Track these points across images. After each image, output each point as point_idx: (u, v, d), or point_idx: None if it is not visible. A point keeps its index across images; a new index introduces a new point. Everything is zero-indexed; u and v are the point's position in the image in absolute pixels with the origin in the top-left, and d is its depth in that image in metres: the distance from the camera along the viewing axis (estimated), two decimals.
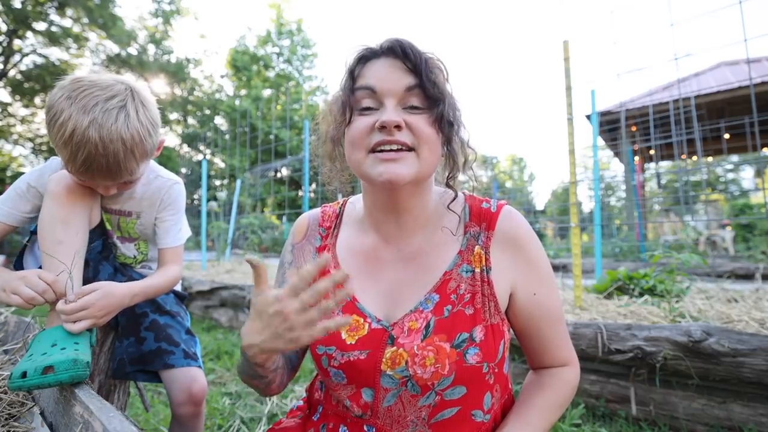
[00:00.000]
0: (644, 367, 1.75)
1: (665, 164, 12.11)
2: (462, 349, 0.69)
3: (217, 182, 22.80)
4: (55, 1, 15.23)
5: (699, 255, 3.17)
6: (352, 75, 0.72)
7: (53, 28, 15.84)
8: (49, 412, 0.84)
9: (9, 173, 16.62)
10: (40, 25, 15.62)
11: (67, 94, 0.89)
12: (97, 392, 0.82)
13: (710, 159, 12.95)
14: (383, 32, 0.76)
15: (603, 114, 7.63)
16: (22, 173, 1.12)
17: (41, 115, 17.19)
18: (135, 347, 1.17)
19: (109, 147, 0.90)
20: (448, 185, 0.77)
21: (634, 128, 8.11)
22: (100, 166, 0.92)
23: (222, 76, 27.07)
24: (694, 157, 10.06)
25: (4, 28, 15.02)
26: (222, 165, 22.96)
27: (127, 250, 1.21)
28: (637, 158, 9.43)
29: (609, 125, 8.05)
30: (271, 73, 26.46)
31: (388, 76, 0.69)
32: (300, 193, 16.30)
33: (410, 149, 0.68)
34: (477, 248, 0.75)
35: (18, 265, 1.11)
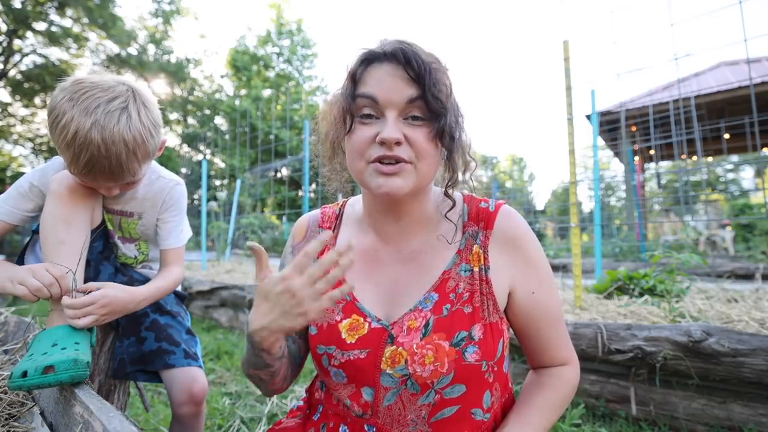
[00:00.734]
0: (644, 367, 1.75)
1: (665, 164, 12.11)
2: (461, 347, 0.69)
3: (217, 182, 22.80)
4: (55, 1, 15.24)
5: (699, 255, 3.17)
6: (354, 78, 0.71)
7: (53, 28, 15.83)
8: (49, 412, 0.84)
9: (9, 173, 16.62)
10: (40, 25, 15.63)
11: (69, 96, 0.89)
12: (97, 392, 0.83)
13: (710, 159, 12.95)
14: (383, 33, 0.74)
15: (603, 114, 7.63)
16: (23, 173, 1.12)
17: (41, 115, 17.20)
18: (135, 347, 1.17)
19: (111, 148, 0.90)
20: (446, 194, 0.76)
21: (634, 128, 8.11)
22: (102, 167, 0.92)
23: (222, 76, 27.10)
24: (694, 157, 10.05)
25: (4, 28, 15.03)
26: (222, 165, 22.96)
27: (128, 251, 1.21)
28: (637, 158, 9.43)
29: (609, 125, 8.05)
30: (271, 73, 26.46)
31: (390, 86, 0.68)
32: (300, 193, 16.31)
33: (409, 162, 0.68)
34: (475, 247, 0.76)
35: (19, 264, 1.11)
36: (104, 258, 1.13)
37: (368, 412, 0.73)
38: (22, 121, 17.34)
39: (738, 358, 1.52)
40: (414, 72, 0.67)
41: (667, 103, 5.90)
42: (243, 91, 25.71)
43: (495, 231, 0.76)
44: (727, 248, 8.94)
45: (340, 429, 0.76)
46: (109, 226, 1.16)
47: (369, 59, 0.71)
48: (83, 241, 1.01)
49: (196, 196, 19.68)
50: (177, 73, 22.14)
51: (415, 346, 0.70)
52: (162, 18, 21.39)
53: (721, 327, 1.63)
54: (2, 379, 0.87)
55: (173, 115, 24.87)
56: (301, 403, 0.91)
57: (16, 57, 16.07)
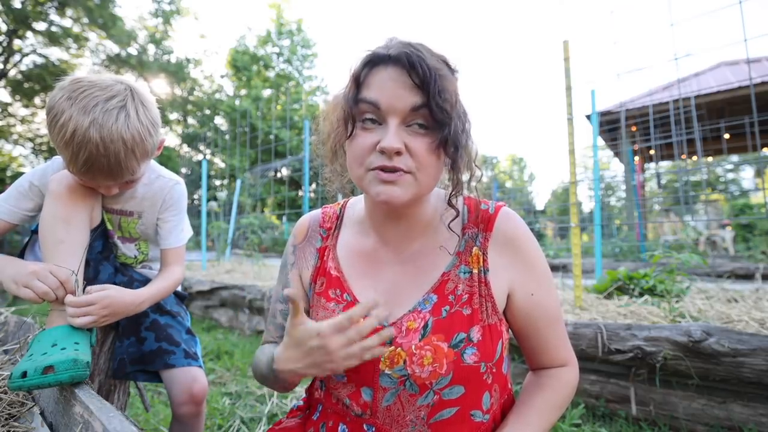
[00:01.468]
0: (644, 367, 1.75)
1: (665, 164, 12.11)
2: (459, 348, 0.69)
3: (217, 182, 22.80)
4: (55, 1, 15.22)
5: (699, 255, 3.17)
6: (357, 81, 0.69)
7: (53, 28, 15.81)
8: (49, 412, 0.84)
9: (9, 173, 16.61)
10: (40, 25, 15.60)
11: (67, 95, 0.89)
12: (97, 392, 0.83)
13: (710, 159, 12.95)
14: (383, 33, 0.73)
15: (603, 114, 7.63)
16: (22, 173, 1.12)
17: (41, 115, 17.17)
18: (135, 347, 1.17)
19: (109, 147, 0.90)
20: (449, 204, 0.75)
21: (634, 128, 8.11)
22: (101, 166, 0.92)
23: (222, 76, 27.06)
24: (694, 157, 10.05)
25: (4, 28, 15.01)
26: (222, 165, 22.96)
27: (128, 250, 1.21)
28: (637, 158, 9.42)
29: (609, 125, 8.05)
30: (271, 73, 26.44)
31: (393, 92, 0.65)
32: (300, 193, 16.31)
33: (408, 172, 0.66)
34: (475, 249, 0.76)
35: None
36: (104, 258, 1.13)
37: (367, 412, 0.73)
38: (22, 121, 17.32)
39: (738, 358, 1.52)
40: (419, 78, 0.64)
41: (667, 103, 5.90)
42: (243, 91, 25.69)
43: (494, 233, 0.76)
44: (727, 248, 8.94)
45: (339, 428, 0.76)
46: (109, 226, 1.15)
47: (373, 61, 0.68)
48: (83, 241, 1.01)
49: (196, 196, 19.68)
50: (177, 73, 22.11)
51: (413, 346, 0.70)
52: (162, 18, 21.36)
53: (721, 327, 1.63)
54: (2, 379, 0.87)
55: (173, 115, 24.84)
56: (301, 403, 0.91)
57: (16, 57, 16.06)
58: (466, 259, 0.75)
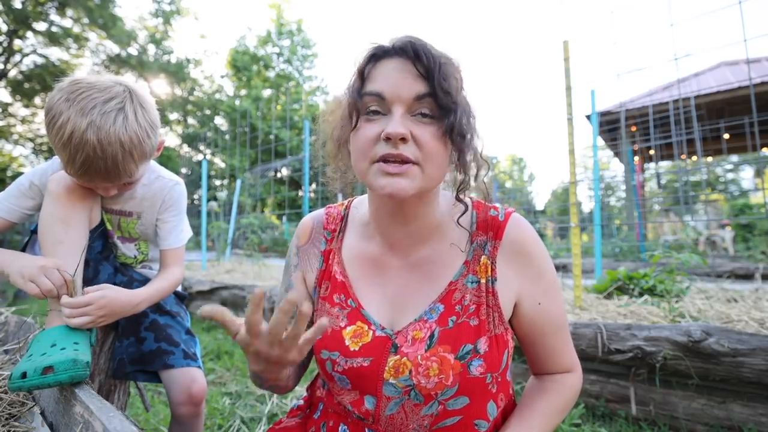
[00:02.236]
0: (644, 367, 1.75)
1: (665, 164, 12.11)
2: (466, 360, 0.68)
3: (217, 182, 22.78)
4: (55, 1, 15.22)
5: (699, 255, 3.17)
6: (362, 75, 0.68)
7: (53, 28, 15.80)
8: (50, 412, 0.84)
9: (9, 173, 16.61)
10: (41, 25, 15.60)
11: (66, 96, 0.89)
12: (97, 392, 0.82)
13: (710, 159, 12.95)
14: (383, 33, 0.72)
15: (603, 114, 7.63)
16: (22, 173, 1.12)
17: (41, 116, 17.03)
18: (135, 347, 1.17)
19: (107, 149, 0.90)
20: (458, 198, 0.72)
21: (634, 128, 8.11)
22: (98, 168, 0.92)
23: (222, 76, 27.05)
24: (694, 157, 10.05)
25: (5, 28, 15.01)
26: (222, 165, 22.94)
27: (128, 250, 1.21)
28: (636, 158, 9.42)
29: (609, 125, 8.05)
30: (271, 73, 26.44)
31: (397, 82, 0.64)
32: (300, 193, 16.30)
33: (415, 163, 0.64)
34: (483, 258, 0.74)
35: None
36: (103, 258, 1.13)
37: (369, 419, 0.72)
38: (23, 121, 17.31)
39: (738, 358, 1.52)
40: (423, 67, 0.64)
41: (667, 103, 5.90)
42: (243, 91, 25.68)
43: (504, 242, 0.74)
44: (726, 248, 8.94)
45: (340, 428, 0.76)
46: (108, 226, 1.15)
47: (377, 55, 0.68)
48: (82, 241, 1.01)
49: (196, 196, 19.67)
50: (177, 73, 22.10)
51: (419, 357, 0.68)
52: (162, 18, 21.34)
53: (720, 327, 1.63)
54: (2, 379, 0.87)
55: (173, 115, 24.83)
56: (302, 402, 0.91)
57: (17, 57, 16.05)
58: (474, 268, 0.73)
